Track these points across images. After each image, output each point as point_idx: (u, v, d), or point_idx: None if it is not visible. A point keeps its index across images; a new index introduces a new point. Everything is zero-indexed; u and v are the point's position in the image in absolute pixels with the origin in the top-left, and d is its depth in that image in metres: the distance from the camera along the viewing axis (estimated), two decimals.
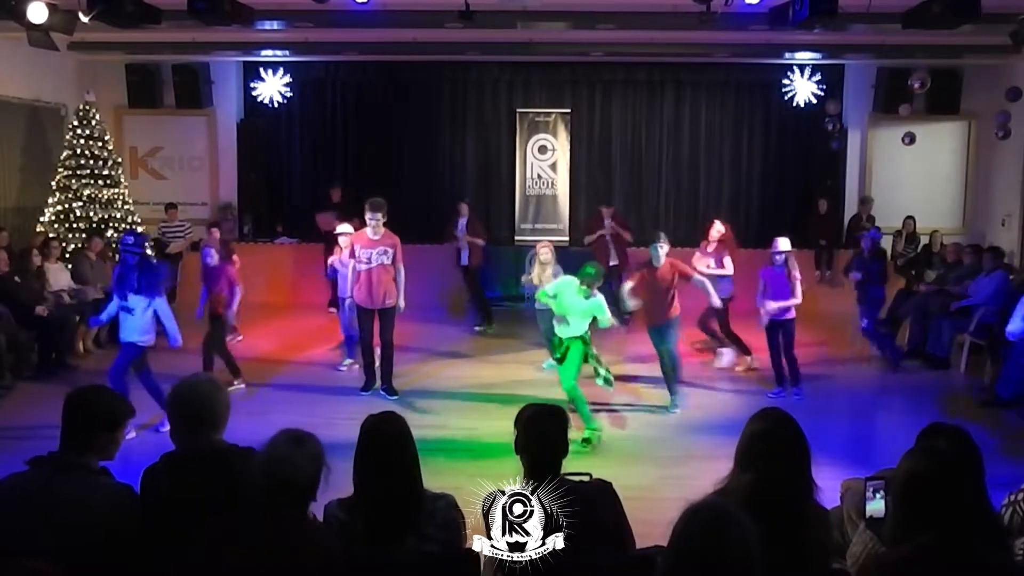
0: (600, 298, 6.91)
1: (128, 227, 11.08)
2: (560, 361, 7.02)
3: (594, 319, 7.01)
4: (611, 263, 10.76)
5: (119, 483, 2.96)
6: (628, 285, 7.82)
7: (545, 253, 8.39)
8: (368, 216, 7.80)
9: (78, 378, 7.52)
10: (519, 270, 9.47)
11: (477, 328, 10.91)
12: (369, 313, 7.95)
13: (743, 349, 9.12)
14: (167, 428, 6.98)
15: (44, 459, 2.90)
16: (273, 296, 12.36)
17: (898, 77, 12.18)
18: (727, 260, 8.99)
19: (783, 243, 8.06)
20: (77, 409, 2.94)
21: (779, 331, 8.01)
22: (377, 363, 8.08)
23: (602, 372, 7.01)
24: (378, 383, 8.07)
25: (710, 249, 9.13)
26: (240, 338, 9.89)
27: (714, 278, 8.60)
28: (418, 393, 8.08)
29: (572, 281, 6.93)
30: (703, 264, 8.93)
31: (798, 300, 7.90)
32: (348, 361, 8.96)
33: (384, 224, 7.85)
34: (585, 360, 6.98)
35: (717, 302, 8.04)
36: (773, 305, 7.87)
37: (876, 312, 9.28)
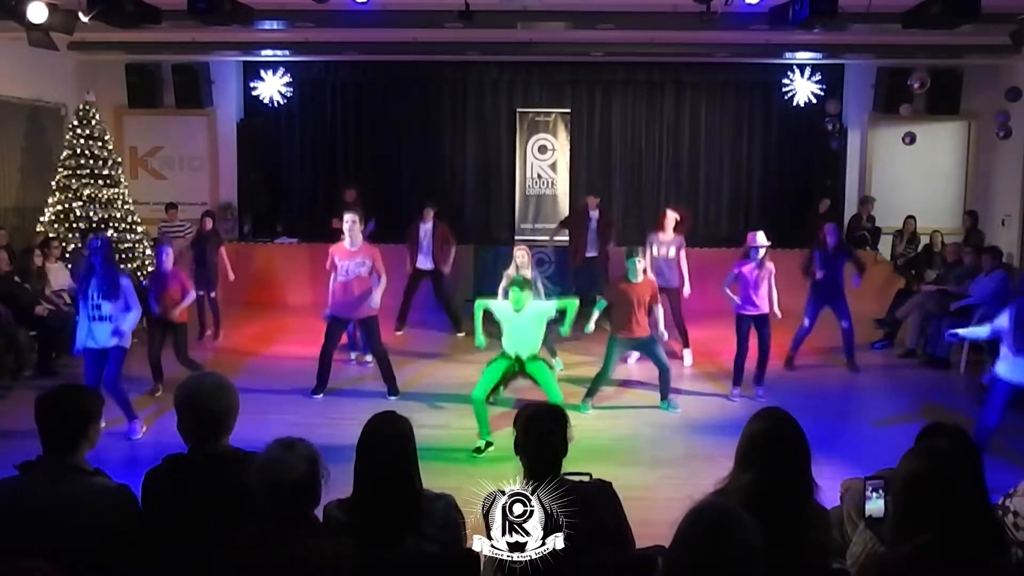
0: (539, 304, 6.86)
1: (128, 227, 11.09)
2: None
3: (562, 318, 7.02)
4: (588, 254, 10.73)
5: (115, 483, 2.95)
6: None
7: (521, 256, 8.38)
8: (346, 222, 7.79)
9: (79, 378, 7.50)
10: None
11: (458, 333, 10.62)
12: (342, 323, 8.01)
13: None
14: (138, 435, 7.04)
15: (34, 463, 2.90)
16: (272, 296, 12.36)
17: (898, 77, 12.18)
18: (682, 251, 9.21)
19: (762, 237, 7.97)
20: (53, 412, 2.92)
21: (751, 325, 7.90)
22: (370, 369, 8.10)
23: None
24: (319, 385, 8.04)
25: (666, 238, 9.15)
26: (209, 333, 10.26)
27: (672, 265, 8.93)
28: (418, 394, 8.08)
29: (504, 303, 6.87)
30: (664, 251, 9.07)
31: (775, 300, 7.90)
32: (355, 354, 9.12)
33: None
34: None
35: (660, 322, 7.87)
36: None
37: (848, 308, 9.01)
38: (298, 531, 2.62)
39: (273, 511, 2.62)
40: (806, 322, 8.97)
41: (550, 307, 6.93)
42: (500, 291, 8.42)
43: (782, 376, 8.74)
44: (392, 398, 7.89)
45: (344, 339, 8.89)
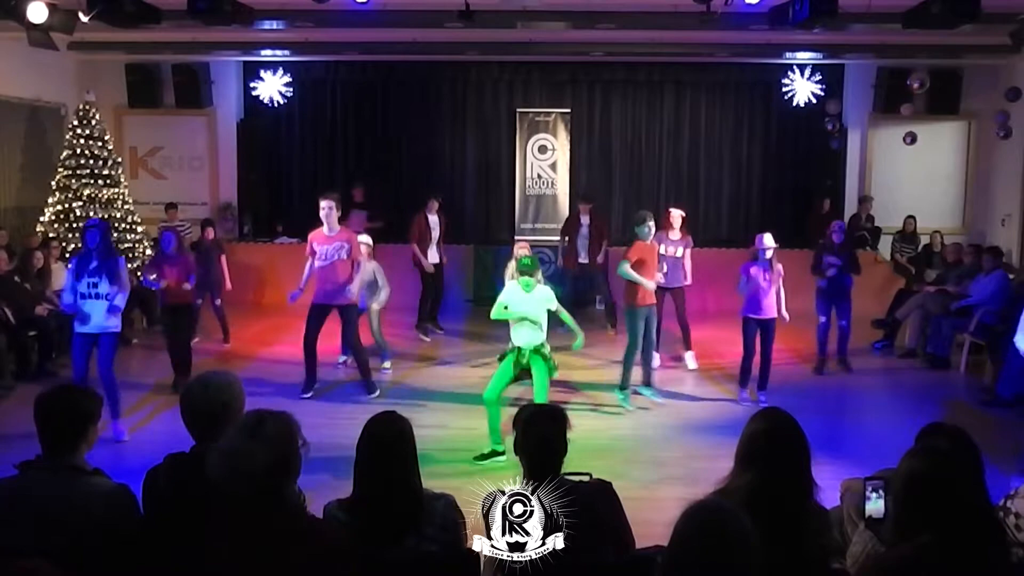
0: (547, 288, 6.71)
1: (128, 227, 11.11)
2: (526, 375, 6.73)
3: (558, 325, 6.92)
4: (580, 260, 10.75)
5: (115, 483, 2.95)
6: (627, 264, 7.58)
7: (523, 253, 8.36)
8: (322, 209, 7.82)
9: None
10: None
11: (431, 334, 10.50)
12: (323, 310, 7.93)
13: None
14: (124, 438, 6.95)
15: (34, 463, 2.90)
16: (273, 296, 12.36)
17: (898, 77, 12.18)
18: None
19: (770, 239, 7.90)
20: (53, 412, 2.92)
21: (757, 329, 7.82)
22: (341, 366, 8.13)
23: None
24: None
25: (675, 236, 9.10)
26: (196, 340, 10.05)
27: (680, 265, 8.92)
28: (418, 393, 8.08)
29: (514, 284, 6.74)
30: (673, 250, 8.98)
31: (783, 302, 7.84)
32: (387, 364, 8.95)
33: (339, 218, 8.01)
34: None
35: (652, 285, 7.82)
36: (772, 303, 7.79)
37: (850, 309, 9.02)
38: (286, 519, 2.52)
39: (237, 498, 2.50)
40: (822, 318, 8.93)
41: (551, 296, 6.69)
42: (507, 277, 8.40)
43: (783, 377, 8.72)
44: (369, 396, 7.81)
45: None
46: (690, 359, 9.22)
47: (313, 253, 7.88)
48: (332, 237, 7.87)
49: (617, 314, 10.50)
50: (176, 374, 8.18)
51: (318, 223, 7.99)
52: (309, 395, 7.92)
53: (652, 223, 7.75)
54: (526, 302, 6.57)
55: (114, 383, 6.83)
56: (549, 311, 6.65)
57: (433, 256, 10.51)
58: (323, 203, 7.88)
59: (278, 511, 2.51)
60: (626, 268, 7.57)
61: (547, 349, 6.62)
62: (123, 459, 6.06)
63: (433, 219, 10.51)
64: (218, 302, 10.13)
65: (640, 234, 7.70)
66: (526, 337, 6.57)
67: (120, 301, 6.81)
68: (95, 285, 6.72)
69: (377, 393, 7.92)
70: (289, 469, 2.54)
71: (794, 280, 9.25)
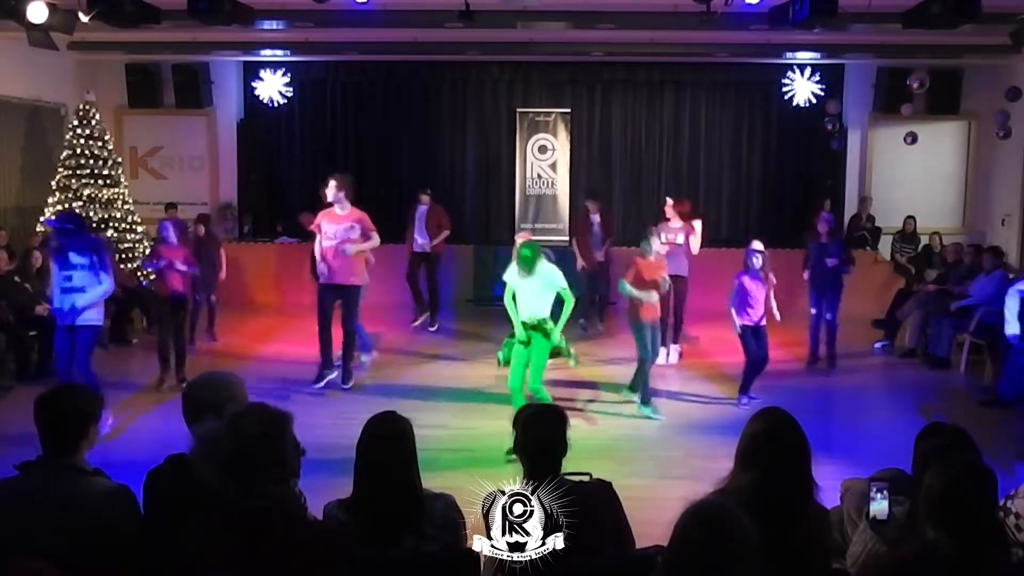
0: (550, 267, 6.60)
1: (128, 227, 11.11)
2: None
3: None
4: (600, 260, 10.76)
5: (115, 483, 2.95)
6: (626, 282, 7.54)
7: (521, 242, 8.31)
8: (329, 189, 7.86)
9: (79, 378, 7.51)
10: None
11: (429, 327, 10.61)
12: (332, 291, 7.93)
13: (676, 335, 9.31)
14: (107, 431, 6.82)
15: (34, 463, 2.89)
16: (273, 296, 12.37)
17: (898, 77, 12.17)
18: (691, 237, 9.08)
19: (759, 246, 7.80)
20: (52, 413, 2.92)
21: (754, 337, 7.74)
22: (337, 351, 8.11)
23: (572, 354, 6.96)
24: (334, 373, 8.07)
25: (676, 225, 9.12)
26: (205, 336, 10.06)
27: (680, 252, 8.90)
28: (418, 393, 8.07)
29: (514, 268, 6.61)
30: (673, 237, 8.97)
31: (774, 304, 7.77)
32: (364, 357, 8.94)
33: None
34: (557, 355, 6.82)
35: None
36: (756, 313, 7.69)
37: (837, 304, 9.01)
38: (267, 513, 2.50)
39: (223, 502, 2.48)
40: (813, 310, 8.97)
41: (560, 281, 6.55)
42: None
43: (781, 377, 8.71)
44: (346, 386, 7.97)
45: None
46: (673, 352, 9.18)
47: (319, 229, 7.85)
48: (343, 216, 7.89)
49: (604, 309, 10.84)
50: (163, 371, 8.10)
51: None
52: (322, 384, 7.93)
53: (657, 241, 7.81)
54: (527, 287, 6.50)
55: (92, 381, 6.72)
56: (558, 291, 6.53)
57: (418, 245, 10.66)
58: (332, 182, 7.85)
59: (265, 510, 2.47)
60: (625, 286, 7.53)
61: (550, 326, 6.51)
62: (123, 459, 6.07)
63: (421, 208, 10.72)
64: (213, 298, 10.11)
65: (645, 250, 7.67)
66: (529, 310, 6.50)
67: (94, 295, 6.70)
68: (70, 278, 6.59)
69: (352, 384, 7.98)
70: (259, 468, 2.47)
71: (794, 280, 9.26)
